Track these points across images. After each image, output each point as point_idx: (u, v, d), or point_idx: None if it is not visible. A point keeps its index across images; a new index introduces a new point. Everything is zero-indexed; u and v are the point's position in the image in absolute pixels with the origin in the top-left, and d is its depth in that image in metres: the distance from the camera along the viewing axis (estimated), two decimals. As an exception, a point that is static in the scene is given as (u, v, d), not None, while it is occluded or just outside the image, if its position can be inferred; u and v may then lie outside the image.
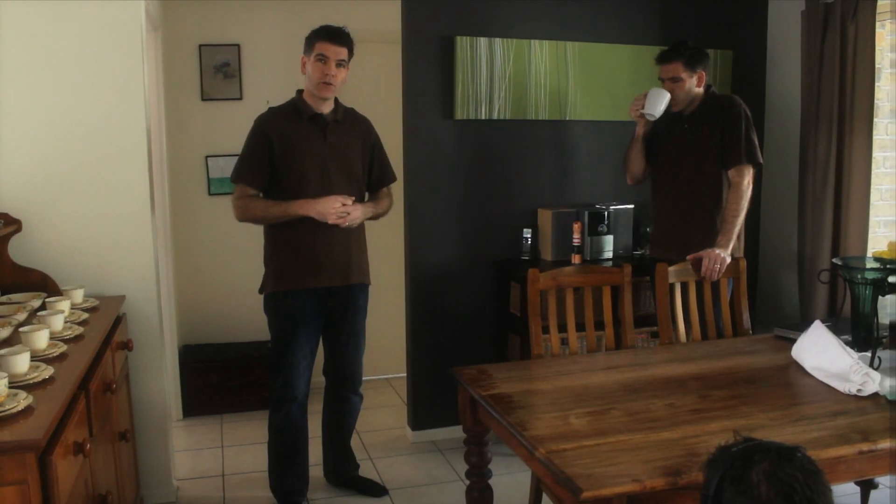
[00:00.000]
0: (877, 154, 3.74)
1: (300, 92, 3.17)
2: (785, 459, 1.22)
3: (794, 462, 1.22)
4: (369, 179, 3.29)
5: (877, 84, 3.66)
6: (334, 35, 3.05)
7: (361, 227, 3.25)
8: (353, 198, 3.11)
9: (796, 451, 1.25)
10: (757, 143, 3.32)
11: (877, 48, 3.62)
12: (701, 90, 3.38)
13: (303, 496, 3.34)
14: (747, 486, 1.21)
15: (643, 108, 3.34)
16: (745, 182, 3.27)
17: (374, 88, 4.72)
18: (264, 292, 3.21)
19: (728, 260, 3.16)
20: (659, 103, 3.31)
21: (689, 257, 3.17)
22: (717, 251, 3.14)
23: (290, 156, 3.07)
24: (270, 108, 3.19)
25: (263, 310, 3.23)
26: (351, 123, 3.22)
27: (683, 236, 3.37)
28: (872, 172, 3.70)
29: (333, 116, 3.15)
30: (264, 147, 3.06)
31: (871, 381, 2.24)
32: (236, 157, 3.14)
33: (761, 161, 3.34)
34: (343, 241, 3.16)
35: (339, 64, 3.05)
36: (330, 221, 3.03)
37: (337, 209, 3.03)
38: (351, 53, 3.10)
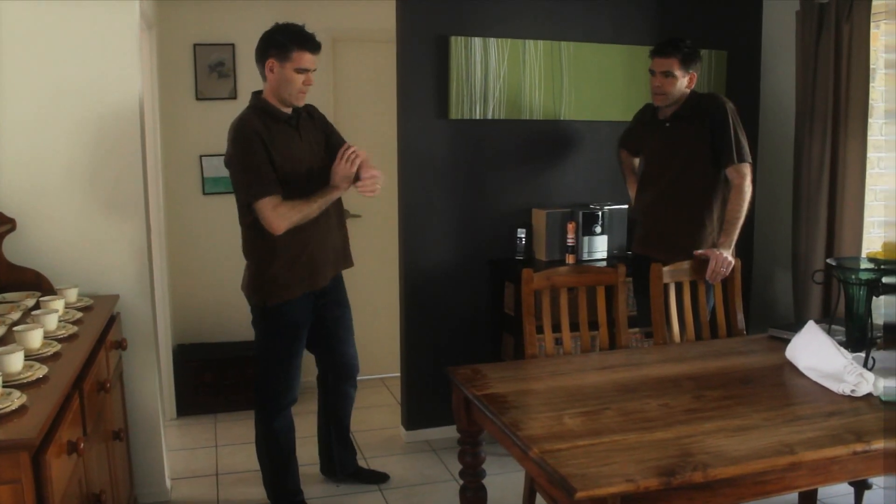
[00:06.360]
0: (871, 154, 3.74)
1: (258, 94, 3.05)
2: None
3: None
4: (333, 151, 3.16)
5: (871, 84, 3.67)
6: (314, 45, 2.96)
7: (341, 210, 3.22)
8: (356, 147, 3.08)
9: None
10: (745, 140, 3.32)
11: (871, 49, 3.63)
12: (687, 91, 3.37)
13: (302, 494, 3.32)
14: None
15: None
16: (746, 182, 3.27)
17: (368, 88, 4.72)
18: (265, 306, 3.06)
19: (732, 262, 3.14)
20: None
21: (696, 253, 3.17)
22: (723, 254, 3.13)
23: (278, 159, 2.97)
24: (245, 114, 3.01)
25: (254, 322, 3.15)
26: (309, 117, 3.17)
27: (667, 235, 3.39)
28: (867, 173, 3.71)
29: (297, 115, 3.08)
30: (265, 152, 2.93)
31: (865, 382, 2.24)
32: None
33: (750, 160, 3.33)
34: (334, 229, 3.15)
35: (314, 71, 3.00)
36: (365, 192, 3.00)
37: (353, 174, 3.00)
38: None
